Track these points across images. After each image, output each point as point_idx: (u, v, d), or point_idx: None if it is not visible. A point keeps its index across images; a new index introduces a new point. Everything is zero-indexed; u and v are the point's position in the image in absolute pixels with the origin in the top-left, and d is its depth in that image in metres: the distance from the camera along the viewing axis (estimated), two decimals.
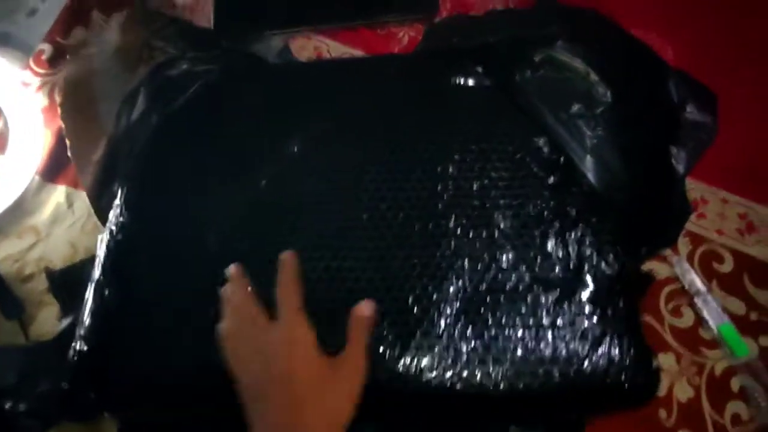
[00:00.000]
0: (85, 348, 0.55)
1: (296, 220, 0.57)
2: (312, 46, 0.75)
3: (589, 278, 0.52)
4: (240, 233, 0.57)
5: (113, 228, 0.60)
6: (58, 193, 0.70)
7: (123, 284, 0.58)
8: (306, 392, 0.47)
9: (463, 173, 0.58)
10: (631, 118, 0.58)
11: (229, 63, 0.68)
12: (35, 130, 0.71)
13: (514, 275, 0.53)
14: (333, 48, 0.74)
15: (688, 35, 0.69)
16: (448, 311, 0.52)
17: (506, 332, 0.51)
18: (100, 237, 0.60)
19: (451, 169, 0.58)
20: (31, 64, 0.77)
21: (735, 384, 0.55)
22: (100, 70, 0.67)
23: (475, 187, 0.57)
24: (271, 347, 0.49)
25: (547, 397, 0.50)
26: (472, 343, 0.51)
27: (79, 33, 0.78)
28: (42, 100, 0.74)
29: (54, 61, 0.77)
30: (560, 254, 0.53)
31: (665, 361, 0.56)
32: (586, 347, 0.50)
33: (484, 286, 0.53)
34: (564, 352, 0.50)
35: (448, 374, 0.50)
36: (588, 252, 0.53)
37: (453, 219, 0.56)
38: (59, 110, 0.69)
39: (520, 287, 0.53)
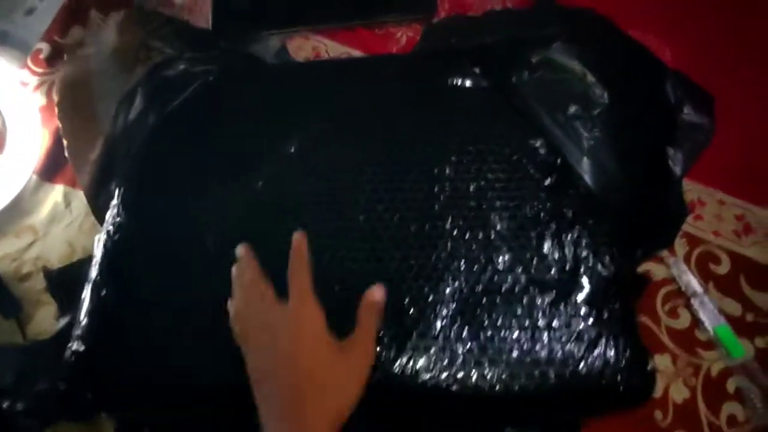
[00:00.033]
0: (82, 348, 0.55)
1: (294, 221, 0.56)
2: (310, 46, 0.74)
3: (585, 280, 0.52)
4: (238, 233, 0.57)
5: (110, 228, 0.60)
6: (56, 192, 0.70)
7: (120, 284, 0.58)
8: (313, 372, 0.47)
9: (460, 174, 0.58)
10: (628, 120, 0.58)
11: (227, 63, 0.68)
12: (33, 129, 0.71)
13: (510, 277, 0.53)
14: (331, 48, 0.74)
15: (687, 35, 0.69)
16: (444, 312, 0.52)
17: (502, 333, 0.51)
18: (97, 237, 0.60)
19: (447, 171, 0.58)
20: (29, 63, 0.77)
21: (731, 385, 0.55)
22: (98, 71, 0.67)
23: (471, 188, 0.57)
24: (279, 327, 0.49)
25: (542, 399, 0.50)
26: (468, 344, 0.51)
27: (77, 32, 0.78)
28: (40, 99, 0.75)
29: (52, 60, 0.77)
30: (556, 256, 0.54)
31: (661, 362, 0.56)
32: (582, 349, 0.50)
33: (480, 288, 0.53)
34: (560, 353, 0.50)
35: (444, 375, 0.50)
36: (584, 254, 0.53)
37: (449, 220, 0.56)
38: (56, 110, 0.69)
39: (516, 289, 0.53)
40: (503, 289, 0.53)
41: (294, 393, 0.46)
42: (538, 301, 0.52)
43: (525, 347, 0.50)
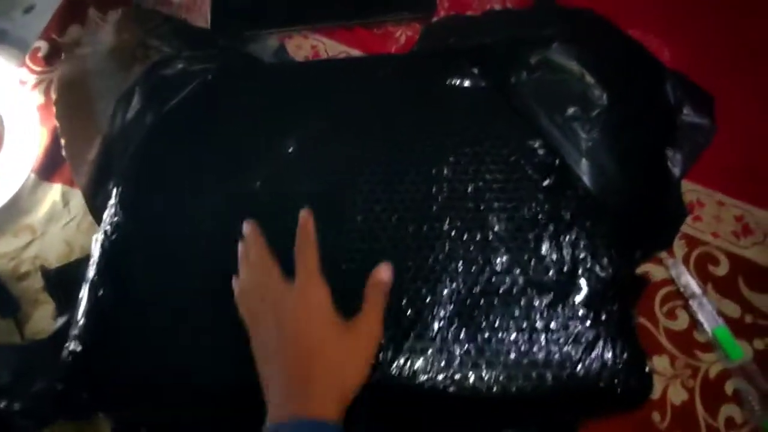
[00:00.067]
0: (79, 348, 0.55)
1: (291, 221, 0.56)
2: (309, 45, 0.74)
3: (583, 282, 0.52)
4: (236, 233, 0.57)
5: (108, 228, 0.60)
6: (54, 191, 0.70)
7: (118, 284, 0.58)
8: (318, 351, 0.47)
9: (458, 175, 0.57)
10: (627, 121, 0.58)
11: (225, 62, 0.67)
12: (31, 128, 0.71)
13: (507, 278, 0.53)
14: (330, 47, 0.74)
15: (687, 36, 0.69)
16: (442, 314, 0.52)
17: (499, 335, 0.51)
18: (94, 236, 0.60)
19: (445, 171, 0.58)
20: (27, 61, 0.77)
21: (729, 387, 0.55)
22: (95, 69, 0.67)
23: (469, 189, 0.57)
24: (285, 305, 0.49)
25: (540, 401, 0.50)
26: (466, 345, 0.51)
27: (75, 30, 0.78)
28: (38, 97, 0.75)
29: (50, 59, 0.77)
30: (554, 257, 0.53)
31: (659, 363, 0.56)
32: (580, 351, 0.50)
33: (477, 289, 0.53)
34: (557, 355, 0.50)
35: (441, 377, 0.50)
36: (582, 255, 0.53)
37: (447, 221, 0.55)
38: (54, 109, 0.69)
39: (514, 290, 0.52)
40: (501, 290, 0.53)
41: (299, 371, 0.46)
42: (536, 303, 0.52)
43: (522, 349, 0.50)
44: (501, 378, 0.50)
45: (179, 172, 0.63)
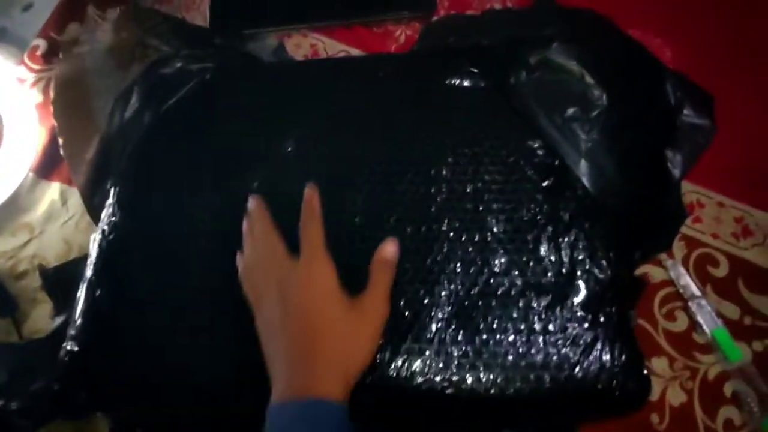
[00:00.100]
0: (76, 348, 0.55)
1: (290, 220, 0.56)
2: (308, 44, 0.74)
3: (581, 283, 0.52)
4: (234, 232, 0.57)
5: (105, 227, 0.60)
6: (53, 190, 0.70)
7: (116, 284, 0.58)
8: (323, 329, 0.46)
9: (457, 176, 0.57)
10: (627, 121, 0.57)
11: (224, 61, 0.67)
12: (30, 126, 0.71)
13: (506, 280, 0.53)
14: (329, 46, 0.74)
15: (687, 36, 0.69)
16: (440, 315, 0.52)
17: (497, 337, 0.51)
18: (92, 236, 0.60)
19: (444, 172, 0.58)
20: (26, 59, 0.76)
21: (728, 389, 0.55)
22: (93, 68, 0.67)
23: (468, 190, 0.57)
24: (290, 281, 0.48)
25: (538, 403, 0.50)
26: (464, 347, 0.51)
27: (74, 28, 0.77)
28: (37, 96, 0.74)
29: (49, 57, 0.76)
30: (553, 259, 0.53)
31: (658, 365, 0.56)
32: (578, 353, 0.50)
33: (476, 291, 0.53)
34: (555, 357, 0.50)
35: (439, 378, 0.50)
36: (581, 257, 0.53)
37: (446, 222, 0.55)
38: (52, 108, 0.69)
39: (512, 292, 0.52)
40: (499, 292, 0.52)
41: (303, 350, 0.46)
42: (534, 305, 0.52)
43: (520, 351, 0.50)
44: (499, 380, 0.49)
45: (177, 171, 0.63)
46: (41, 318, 0.63)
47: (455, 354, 0.50)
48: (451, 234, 0.55)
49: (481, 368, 0.50)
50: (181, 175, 0.62)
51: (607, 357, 0.49)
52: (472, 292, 0.53)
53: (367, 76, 0.65)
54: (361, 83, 0.65)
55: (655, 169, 0.58)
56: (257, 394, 0.46)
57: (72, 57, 0.70)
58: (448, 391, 0.50)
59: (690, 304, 0.58)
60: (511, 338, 0.51)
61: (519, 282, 0.53)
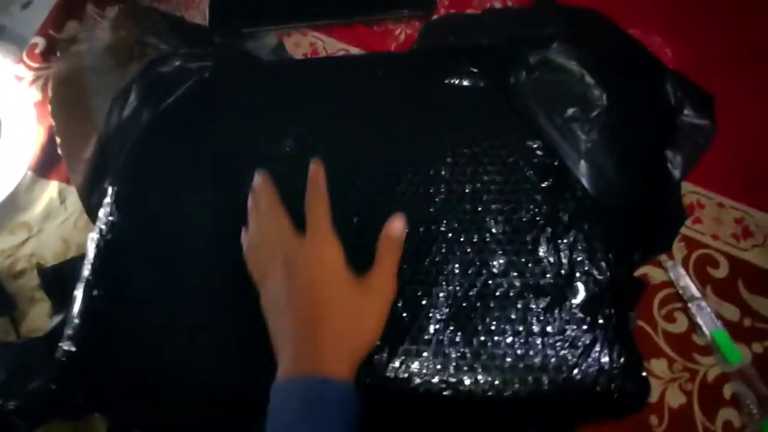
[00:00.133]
0: (73, 349, 0.55)
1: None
2: (307, 43, 0.74)
3: (580, 285, 0.52)
4: (233, 230, 0.57)
5: (103, 227, 0.59)
6: (51, 188, 0.70)
7: (113, 283, 0.57)
8: (330, 308, 0.46)
9: (456, 176, 0.57)
10: (627, 122, 0.57)
11: (223, 60, 0.67)
12: (28, 125, 0.71)
13: (504, 281, 0.53)
14: (329, 44, 0.74)
15: (687, 35, 0.68)
16: (438, 317, 0.52)
17: (495, 339, 0.51)
18: (89, 235, 0.60)
19: (443, 172, 0.57)
20: (25, 58, 0.76)
21: (727, 391, 0.55)
22: (92, 67, 0.67)
23: (467, 190, 0.56)
24: (296, 258, 0.48)
25: (536, 405, 0.50)
26: (461, 349, 0.50)
27: (73, 26, 0.77)
28: (35, 94, 0.74)
29: (47, 55, 0.76)
30: (552, 260, 0.53)
31: (657, 366, 0.56)
32: (576, 355, 0.49)
33: (474, 292, 0.52)
34: (554, 359, 0.49)
35: (436, 380, 0.50)
36: (580, 258, 0.53)
37: (444, 223, 0.55)
38: (49, 107, 0.69)
39: (511, 293, 0.52)
40: (497, 293, 0.52)
41: (310, 329, 0.45)
42: (533, 306, 0.51)
43: (519, 353, 0.50)
44: (497, 382, 0.49)
45: (176, 170, 0.62)
46: (39, 317, 0.63)
47: (453, 356, 0.50)
48: (450, 235, 0.55)
49: (479, 370, 0.50)
50: (179, 174, 0.62)
51: (605, 359, 0.49)
52: (470, 293, 0.52)
53: (367, 75, 0.65)
54: (361, 82, 0.65)
55: (655, 170, 0.58)
56: (257, 394, 0.46)
57: (70, 55, 0.70)
58: (446, 392, 0.49)
59: (690, 305, 0.57)
60: (509, 340, 0.50)
61: (517, 283, 0.52)
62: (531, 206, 0.55)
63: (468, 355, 0.50)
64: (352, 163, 0.59)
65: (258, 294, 0.50)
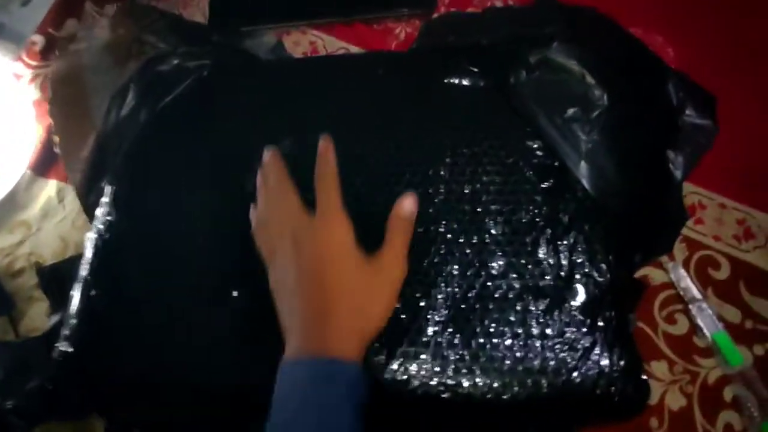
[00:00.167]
0: (70, 350, 0.54)
1: None
2: (307, 41, 0.73)
3: (580, 287, 0.51)
4: (231, 230, 0.57)
5: (101, 226, 0.59)
6: (50, 187, 0.69)
7: (111, 283, 0.57)
8: (340, 287, 0.45)
9: (455, 176, 0.57)
10: (627, 122, 0.57)
11: (221, 58, 0.66)
12: (27, 123, 0.71)
13: (504, 283, 0.52)
14: (328, 43, 0.73)
15: (689, 35, 0.68)
16: (437, 318, 0.51)
17: (494, 341, 0.50)
18: (86, 235, 0.60)
19: (442, 172, 0.57)
20: (24, 56, 0.76)
21: (728, 393, 0.55)
22: (90, 66, 0.66)
23: (466, 191, 0.56)
24: (305, 237, 0.47)
25: (535, 408, 0.49)
26: (460, 351, 0.50)
27: (72, 24, 0.77)
28: (34, 92, 0.74)
29: (46, 53, 0.76)
30: (551, 262, 0.53)
31: (658, 368, 0.56)
32: (576, 357, 0.49)
33: (473, 294, 0.52)
34: (553, 362, 0.49)
35: (434, 382, 0.49)
36: (580, 260, 0.52)
37: (443, 224, 0.55)
38: (48, 106, 0.68)
39: (510, 295, 0.52)
40: (497, 295, 0.52)
41: (318, 309, 0.44)
42: (532, 308, 0.51)
43: (518, 355, 0.50)
44: (495, 384, 0.49)
45: (174, 169, 0.62)
46: (38, 316, 0.63)
47: (451, 358, 0.50)
48: (449, 235, 0.54)
49: (478, 372, 0.49)
50: (177, 174, 0.62)
51: (605, 362, 0.49)
52: (469, 295, 0.52)
53: (366, 74, 0.65)
54: (361, 81, 0.65)
55: (656, 171, 0.57)
56: (256, 393, 0.45)
57: (68, 54, 0.70)
58: (444, 395, 0.49)
59: (690, 307, 0.57)
60: (508, 342, 0.50)
61: (517, 285, 0.52)
62: (531, 207, 0.55)
63: (466, 357, 0.50)
64: (352, 163, 0.58)
65: (258, 294, 0.50)
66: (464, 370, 0.49)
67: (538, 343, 0.50)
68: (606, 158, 0.55)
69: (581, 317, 0.50)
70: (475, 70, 0.61)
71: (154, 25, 0.67)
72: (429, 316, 0.51)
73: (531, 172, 0.56)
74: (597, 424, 0.52)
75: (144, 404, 0.55)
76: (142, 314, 0.56)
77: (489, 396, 0.49)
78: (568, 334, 0.50)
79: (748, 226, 0.61)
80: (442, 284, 0.52)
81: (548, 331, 0.50)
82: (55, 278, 0.63)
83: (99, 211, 0.60)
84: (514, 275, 0.52)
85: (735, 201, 0.62)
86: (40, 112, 0.72)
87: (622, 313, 0.51)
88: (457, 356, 0.50)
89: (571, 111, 0.56)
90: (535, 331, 0.50)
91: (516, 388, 0.49)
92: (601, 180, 0.55)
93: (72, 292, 0.57)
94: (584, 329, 0.50)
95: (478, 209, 0.55)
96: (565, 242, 0.53)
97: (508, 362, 0.49)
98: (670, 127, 0.58)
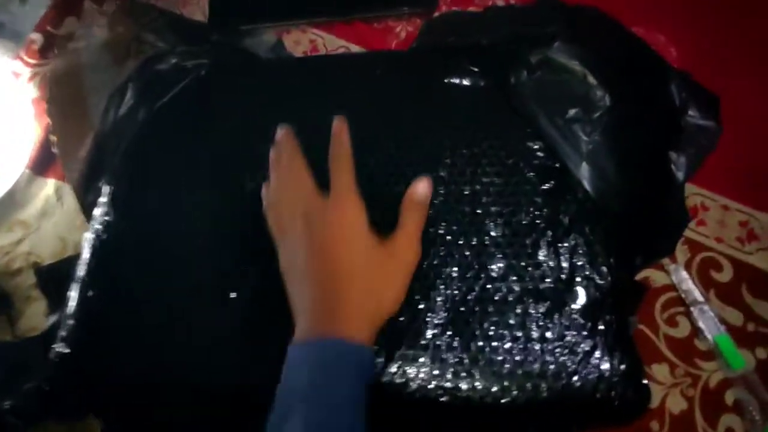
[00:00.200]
0: (67, 351, 0.54)
1: None
2: (307, 40, 0.73)
3: (580, 290, 0.51)
4: (231, 230, 0.57)
5: (99, 226, 0.59)
6: (48, 186, 0.69)
7: (109, 283, 0.57)
8: (350, 269, 0.45)
9: (455, 177, 0.56)
10: (629, 123, 0.56)
11: (220, 57, 0.66)
12: (25, 122, 0.70)
13: (503, 285, 0.52)
14: (329, 42, 0.73)
15: (692, 34, 0.67)
16: (436, 321, 0.51)
17: (494, 344, 0.50)
18: (84, 235, 0.59)
19: (442, 173, 0.57)
20: (22, 54, 0.76)
21: (729, 397, 0.54)
22: (88, 64, 0.66)
23: (466, 192, 0.56)
24: (318, 218, 0.47)
25: (534, 411, 0.49)
26: (459, 354, 0.50)
27: (71, 23, 0.76)
28: (33, 91, 0.73)
29: (45, 52, 0.75)
30: (552, 264, 0.52)
31: (659, 371, 0.55)
32: (576, 361, 0.49)
33: (472, 296, 0.52)
34: (553, 366, 0.49)
35: (433, 385, 0.49)
36: (580, 262, 0.52)
37: (443, 225, 0.54)
38: (46, 105, 0.68)
39: (510, 298, 0.51)
40: (496, 297, 0.52)
41: (330, 292, 0.44)
42: (532, 311, 0.51)
43: (517, 359, 0.49)
44: (494, 388, 0.49)
45: (173, 169, 0.62)
46: (36, 316, 0.63)
47: (451, 361, 0.50)
48: (449, 237, 0.54)
49: (477, 376, 0.49)
50: (176, 173, 0.62)
51: (606, 366, 0.49)
52: (468, 298, 0.52)
53: (366, 74, 0.65)
54: (361, 80, 0.64)
55: (658, 172, 0.57)
56: (255, 394, 0.45)
57: (67, 53, 0.70)
58: (443, 398, 0.49)
59: (692, 309, 0.56)
60: (507, 345, 0.50)
61: (517, 288, 0.52)
62: (531, 209, 0.54)
63: (466, 360, 0.50)
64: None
65: (257, 294, 0.50)
66: (463, 374, 0.49)
67: (537, 347, 0.49)
68: (607, 159, 0.55)
69: (581, 320, 0.50)
70: (476, 69, 0.61)
71: (153, 23, 0.67)
72: (428, 319, 0.51)
73: (531, 173, 0.56)
74: (597, 428, 0.52)
75: (142, 405, 0.55)
76: (141, 314, 0.56)
77: (488, 400, 0.49)
78: (568, 338, 0.50)
79: (751, 228, 0.60)
80: (441, 286, 0.52)
81: (548, 334, 0.50)
82: (53, 278, 0.63)
83: (97, 211, 0.60)
84: (514, 278, 0.52)
85: (738, 202, 0.61)
86: (39, 110, 0.71)
87: (622, 316, 0.51)
88: (456, 359, 0.50)
89: (572, 111, 0.56)
90: (534, 334, 0.50)
91: (515, 392, 0.48)
92: (602, 181, 0.54)
93: (69, 293, 0.57)
94: (584, 333, 0.50)
95: (478, 210, 0.55)
96: (565, 244, 0.53)
97: (507, 366, 0.49)
98: (672, 127, 0.58)
